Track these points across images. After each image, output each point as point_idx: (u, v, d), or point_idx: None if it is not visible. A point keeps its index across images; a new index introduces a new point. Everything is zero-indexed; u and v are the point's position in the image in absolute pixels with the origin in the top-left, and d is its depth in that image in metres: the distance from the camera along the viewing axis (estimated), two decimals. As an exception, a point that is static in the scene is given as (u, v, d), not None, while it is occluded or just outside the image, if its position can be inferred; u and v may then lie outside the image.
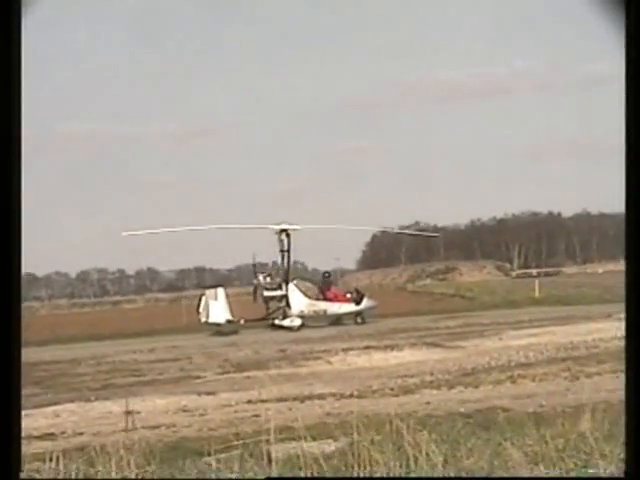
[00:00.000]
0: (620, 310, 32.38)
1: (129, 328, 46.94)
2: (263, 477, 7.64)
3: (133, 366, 26.79)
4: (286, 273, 43.12)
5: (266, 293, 42.61)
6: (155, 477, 7.98)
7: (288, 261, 43.65)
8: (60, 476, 8.08)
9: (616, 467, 7.99)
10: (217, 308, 41.45)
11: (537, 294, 53.13)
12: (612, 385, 16.32)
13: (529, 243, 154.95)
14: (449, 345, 26.94)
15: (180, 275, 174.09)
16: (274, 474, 7.78)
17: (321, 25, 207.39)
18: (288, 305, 42.02)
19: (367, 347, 27.47)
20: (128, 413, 14.87)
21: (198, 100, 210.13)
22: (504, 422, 10.24)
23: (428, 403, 15.85)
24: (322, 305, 42.49)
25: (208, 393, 19.24)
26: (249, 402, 17.31)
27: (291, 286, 42.55)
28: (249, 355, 27.87)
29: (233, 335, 38.99)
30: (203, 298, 42.27)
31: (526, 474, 7.83)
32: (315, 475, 7.69)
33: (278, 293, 42.47)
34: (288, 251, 43.40)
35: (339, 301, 42.85)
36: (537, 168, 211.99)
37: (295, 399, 17.45)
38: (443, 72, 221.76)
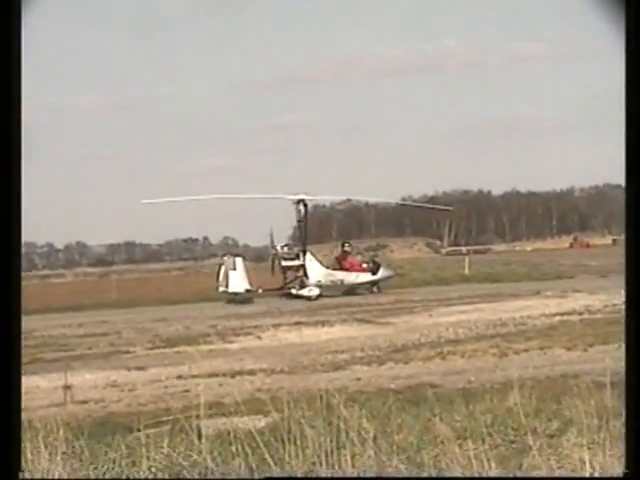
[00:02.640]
0: (547, 288, 32.84)
1: (58, 302, 46.39)
2: (262, 477, 7.64)
3: (62, 340, 26.48)
4: (304, 243, 43.40)
5: (284, 263, 42.80)
6: (86, 453, 7.90)
7: (305, 231, 44.05)
8: None
9: (542, 442, 8.09)
10: (236, 278, 41.52)
11: (467, 271, 53.62)
12: (539, 361, 16.57)
13: (459, 221, 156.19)
14: (380, 321, 27.08)
15: (110, 250, 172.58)
16: (204, 450, 7.74)
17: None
18: (306, 275, 42.25)
19: (298, 323, 27.51)
20: (67, 387, 14.74)
21: (132, 73, 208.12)
22: (433, 398, 10.29)
23: (359, 379, 15.92)
24: (339, 275, 42.94)
25: (138, 368, 19.12)
26: (179, 377, 17.25)
27: (309, 256, 42.89)
28: (180, 330, 27.72)
29: (248, 304, 38.92)
30: (222, 268, 42.31)
31: (455, 449, 7.90)
32: (245, 449, 7.67)
33: (296, 263, 42.72)
34: (305, 221, 43.84)
35: (356, 271, 43.21)
36: (469, 146, 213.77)
37: (225, 375, 17.41)
38: (378, 48, 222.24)
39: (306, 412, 8.52)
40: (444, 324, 24.62)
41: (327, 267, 43.34)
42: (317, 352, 20.30)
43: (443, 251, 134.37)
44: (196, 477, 7.65)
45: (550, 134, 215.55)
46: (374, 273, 43.23)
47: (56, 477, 7.39)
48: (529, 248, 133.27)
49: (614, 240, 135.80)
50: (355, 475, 7.43)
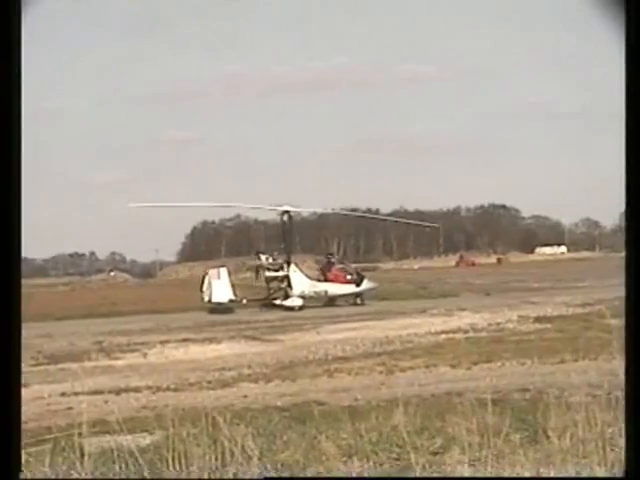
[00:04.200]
0: (434, 306, 33.21)
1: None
2: (263, 477, 7.54)
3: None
4: (288, 254, 43.63)
5: (268, 273, 43.14)
6: None
7: (290, 242, 44.88)
8: None
9: (426, 460, 8.18)
10: (220, 288, 41.68)
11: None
12: (425, 379, 16.74)
13: (348, 238, 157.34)
14: (268, 338, 27.06)
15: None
16: (86, 468, 7.62)
17: (151, 11, 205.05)
18: (290, 286, 42.35)
19: (185, 340, 27.30)
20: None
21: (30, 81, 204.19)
22: (320, 416, 10.33)
23: (245, 396, 15.86)
24: (323, 286, 43.24)
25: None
26: (62, 395, 16.92)
27: (292, 267, 43.03)
28: (64, 346, 27.24)
29: (229, 314, 38.99)
30: (206, 278, 42.54)
31: (340, 466, 7.93)
32: (129, 467, 7.58)
33: (280, 274, 42.90)
34: (290, 232, 44.94)
35: (340, 282, 43.48)
36: (358, 164, 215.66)
37: (110, 392, 17.16)
38: (269, 65, 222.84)
39: (191, 430, 8.46)
40: (332, 341, 24.71)
41: (311, 279, 43.63)
42: (204, 369, 20.17)
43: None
44: (196, 477, 7.60)
45: (438, 154, 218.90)
46: (358, 285, 43.76)
47: None
48: (416, 266, 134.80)
49: (499, 259, 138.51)
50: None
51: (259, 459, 7.80)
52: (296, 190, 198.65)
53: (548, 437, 8.77)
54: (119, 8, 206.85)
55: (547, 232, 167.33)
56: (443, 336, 24.72)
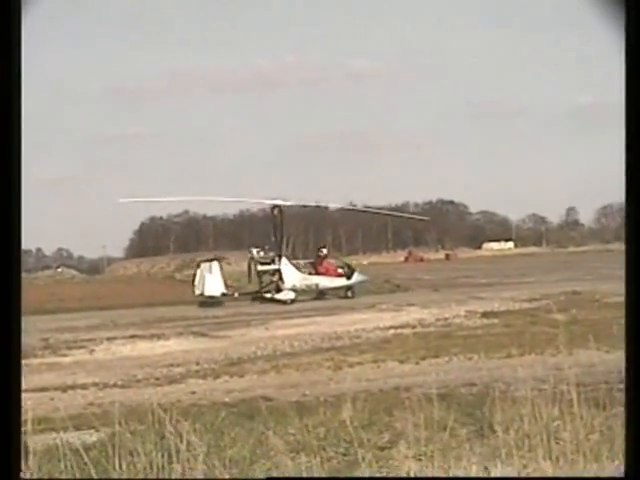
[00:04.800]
0: (382, 301, 33.16)
1: None
2: (263, 478, 7.48)
3: None
4: (279, 248, 43.79)
5: (260, 267, 43.14)
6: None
7: (281, 236, 44.49)
8: None
9: (373, 455, 8.20)
10: (213, 281, 41.78)
11: (304, 285, 53.90)
12: (373, 375, 16.79)
13: (297, 234, 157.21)
14: (216, 334, 26.95)
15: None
16: (31, 466, 7.55)
17: (95, 8, 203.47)
18: (281, 279, 42.49)
19: (133, 336, 27.10)
20: None
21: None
22: (267, 411, 10.30)
23: (193, 393, 15.80)
24: (314, 279, 43.29)
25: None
26: (8, 392, 16.72)
27: (284, 260, 43.15)
28: (9, 344, 26.89)
29: (217, 307, 39.28)
30: (198, 271, 42.65)
31: (288, 462, 7.93)
32: (75, 466, 7.52)
33: (271, 267, 43.01)
34: (281, 227, 44.44)
35: (331, 275, 43.57)
36: (307, 160, 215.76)
37: (57, 389, 17.02)
38: (218, 62, 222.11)
39: (138, 427, 8.41)
40: (280, 337, 24.68)
41: (303, 272, 43.74)
42: (151, 366, 20.05)
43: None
44: (196, 477, 7.54)
45: (386, 150, 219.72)
46: (349, 278, 43.79)
47: None
48: (365, 262, 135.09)
49: (447, 255, 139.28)
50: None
51: (206, 455, 7.77)
52: (246, 186, 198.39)
53: (494, 431, 8.84)
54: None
55: (495, 228, 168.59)
56: (391, 331, 24.79)
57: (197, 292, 42.26)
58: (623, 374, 10.88)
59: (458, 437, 8.90)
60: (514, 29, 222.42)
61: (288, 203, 46.75)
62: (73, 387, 17.32)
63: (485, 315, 28.21)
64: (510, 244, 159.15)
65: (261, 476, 7.89)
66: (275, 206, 44.90)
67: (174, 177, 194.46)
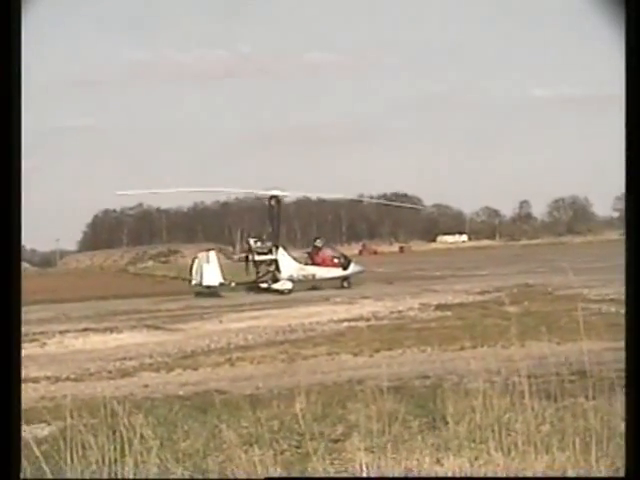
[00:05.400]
0: (336, 294, 33.18)
1: None
2: (263, 477, 7.42)
3: None
4: (276, 238, 44.12)
5: (257, 257, 43.45)
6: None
7: (278, 227, 44.94)
8: None
9: (327, 447, 8.23)
10: (210, 271, 42.15)
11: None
12: (327, 367, 16.81)
13: (252, 227, 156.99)
14: (169, 327, 26.86)
15: None
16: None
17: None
18: (278, 269, 42.91)
19: (85, 329, 26.95)
20: None
21: None
22: (221, 404, 10.30)
23: (146, 386, 15.73)
24: (311, 269, 43.83)
25: None
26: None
27: (281, 250, 43.57)
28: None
29: (215, 297, 39.61)
30: (196, 261, 43.10)
31: (241, 455, 7.92)
32: (26, 460, 7.46)
33: (268, 257, 43.32)
34: (278, 217, 44.82)
35: (327, 266, 44.02)
36: (262, 153, 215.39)
37: (8, 383, 16.86)
38: (174, 53, 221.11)
39: (90, 420, 8.37)
40: (234, 330, 24.64)
41: (300, 262, 44.16)
42: (104, 359, 19.93)
43: (235, 257, 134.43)
44: (196, 477, 7.49)
45: (341, 143, 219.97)
46: (345, 268, 44.31)
47: None
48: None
49: (401, 248, 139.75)
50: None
51: (159, 449, 7.75)
52: (201, 179, 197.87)
53: (446, 423, 8.90)
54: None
55: (448, 221, 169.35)
56: (345, 324, 24.84)
57: (194, 282, 42.69)
58: (574, 366, 11.04)
59: (411, 429, 8.95)
60: (471, 22, 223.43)
61: (286, 193, 47.37)
62: (25, 381, 17.06)
63: (439, 308, 28.36)
64: (464, 237, 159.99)
65: (214, 469, 7.88)
66: (272, 196, 45.14)
67: (126, 169, 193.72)
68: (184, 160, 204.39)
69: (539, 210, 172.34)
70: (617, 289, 30.91)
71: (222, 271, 43.09)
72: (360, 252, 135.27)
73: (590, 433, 7.80)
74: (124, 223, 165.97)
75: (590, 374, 9.14)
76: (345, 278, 44.03)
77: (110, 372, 17.91)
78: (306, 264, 44.37)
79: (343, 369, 16.46)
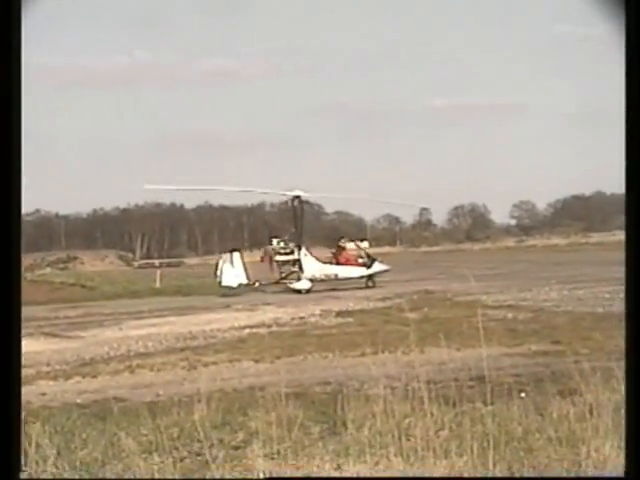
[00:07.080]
0: (238, 301, 33.05)
1: None
2: (263, 477, 7.23)
3: None
4: (299, 238, 44.51)
5: (279, 257, 44.08)
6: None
7: (301, 227, 45.23)
8: None
9: (227, 454, 8.19)
10: (230, 272, 43.06)
11: (158, 284, 53.52)
12: (228, 374, 16.74)
13: (152, 234, 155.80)
14: (68, 335, 26.47)
15: None
16: None
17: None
18: (301, 269, 43.33)
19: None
20: None
21: None
22: (120, 412, 10.18)
23: (44, 394, 15.46)
24: (334, 269, 44.13)
25: None
26: None
27: (303, 251, 43.95)
28: None
29: (236, 297, 39.72)
30: (220, 262, 43.96)
31: (140, 463, 7.84)
32: None
33: (291, 257, 43.76)
34: (301, 217, 45.38)
35: (351, 265, 44.30)
36: (160, 159, 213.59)
37: None
38: (70, 58, 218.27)
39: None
40: (134, 337, 24.39)
41: (323, 262, 44.44)
42: None
43: (135, 264, 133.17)
44: (196, 477, 7.30)
45: (242, 150, 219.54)
46: (369, 267, 44.44)
47: None
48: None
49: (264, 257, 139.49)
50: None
51: (56, 458, 7.63)
52: (96, 185, 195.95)
53: (347, 429, 8.93)
54: None
55: (350, 228, 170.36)
56: (247, 331, 24.78)
57: (218, 281, 43.58)
58: (473, 371, 11.19)
59: (311, 435, 8.97)
60: (389, 27, 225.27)
61: (309, 195, 48.35)
62: None
63: (340, 314, 28.48)
64: (365, 244, 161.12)
65: (112, 477, 7.79)
66: (295, 197, 45.55)
67: (24, 174, 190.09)
68: (77, 168, 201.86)
69: (439, 217, 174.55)
70: (514, 295, 31.59)
71: (246, 271, 43.81)
72: (262, 259, 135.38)
73: (488, 438, 7.91)
74: (21, 229, 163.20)
75: (488, 379, 9.28)
76: (369, 277, 44.42)
77: (6, 380, 17.56)
78: (330, 264, 44.80)
79: (244, 376, 16.41)
